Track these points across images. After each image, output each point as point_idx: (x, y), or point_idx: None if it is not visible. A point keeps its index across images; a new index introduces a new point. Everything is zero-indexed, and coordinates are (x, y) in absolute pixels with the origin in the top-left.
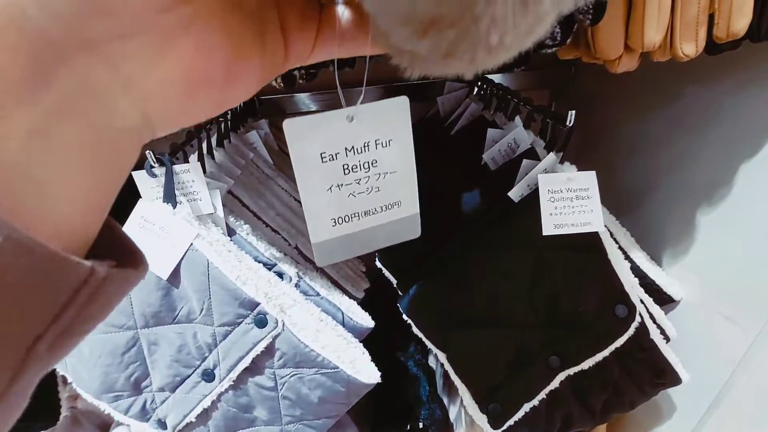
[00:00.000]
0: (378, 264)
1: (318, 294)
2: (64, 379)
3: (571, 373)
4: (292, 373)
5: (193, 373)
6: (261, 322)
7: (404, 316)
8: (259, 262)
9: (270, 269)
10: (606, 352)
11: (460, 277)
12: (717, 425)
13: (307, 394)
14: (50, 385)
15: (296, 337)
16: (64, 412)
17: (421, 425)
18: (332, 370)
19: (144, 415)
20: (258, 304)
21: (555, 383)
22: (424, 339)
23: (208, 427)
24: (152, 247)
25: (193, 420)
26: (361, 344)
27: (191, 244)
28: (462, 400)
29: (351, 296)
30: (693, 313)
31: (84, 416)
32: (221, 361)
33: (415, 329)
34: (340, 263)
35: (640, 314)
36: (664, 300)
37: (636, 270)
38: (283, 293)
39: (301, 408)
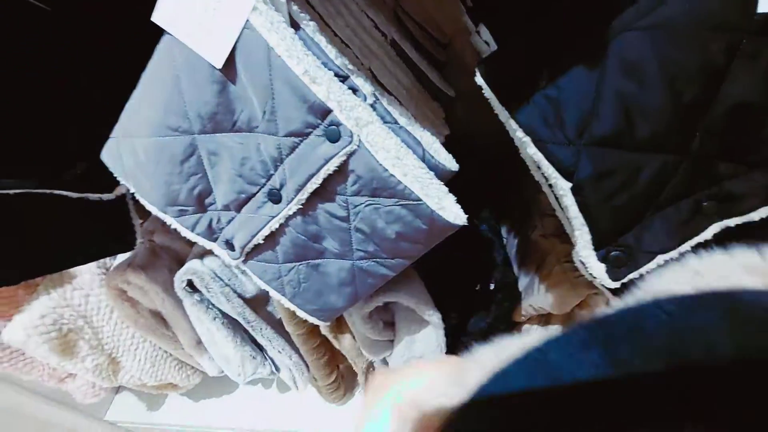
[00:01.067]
0: (478, 80)
1: (396, 122)
2: (137, 207)
3: (732, 225)
4: (367, 203)
5: (258, 191)
6: (333, 134)
7: (519, 133)
8: (329, 69)
9: (342, 82)
10: None
11: (599, 79)
12: None
13: (383, 228)
14: (124, 213)
15: (374, 157)
16: (140, 239)
17: (492, 287)
18: (414, 202)
19: (211, 233)
20: (330, 111)
21: (707, 235)
22: (542, 162)
23: (276, 253)
24: (199, 22)
25: (261, 242)
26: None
27: (247, 20)
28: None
29: None
30: None
31: (162, 250)
32: (288, 179)
33: (531, 149)
34: (419, 101)
35: None
36: None
37: None
38: (358, 106)
39: (375, 244)
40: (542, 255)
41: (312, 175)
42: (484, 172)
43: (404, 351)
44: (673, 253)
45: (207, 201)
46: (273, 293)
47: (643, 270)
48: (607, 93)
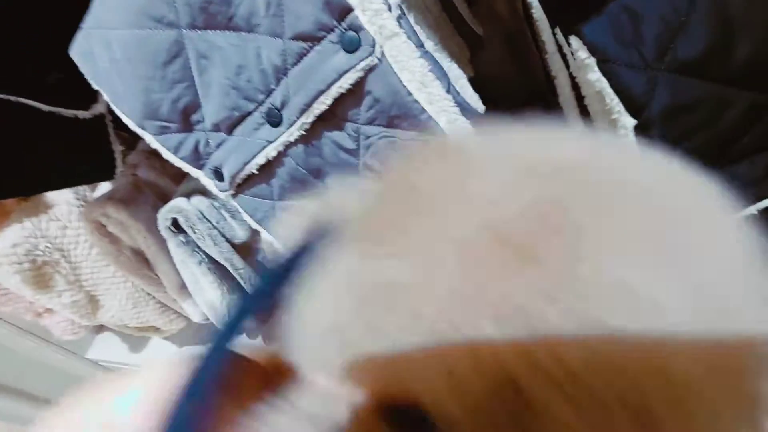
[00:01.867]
0: None
1: (422, 45)
2: (118, 134)
3: None
4: (381, 134)
5: (255, 110)
6: (351, 42)
7: (581, 53)
8: None
9: None
10: None
11: None
12: None
13: None
14: (102, 136)
15: (398, 77)
16: (121, 168)
17: None
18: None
19: (197, 158)
20: (350, 10)
21: None
22: (605, 91)
23: (272, 187)
24: None
25: (255, 172)
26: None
27: None
28: None
29: None
30: None
31: (146, 185)
32: (291, 97)
33: (594, 73)
34: (446, 32)
35: None
36: None
37: None
38: (384, 12)
39: None
40: None
41: (321, 93)
42: None
43: None
44: None
45: (194, 117)
46: (265, 234)
47: None
48: (703, 1)
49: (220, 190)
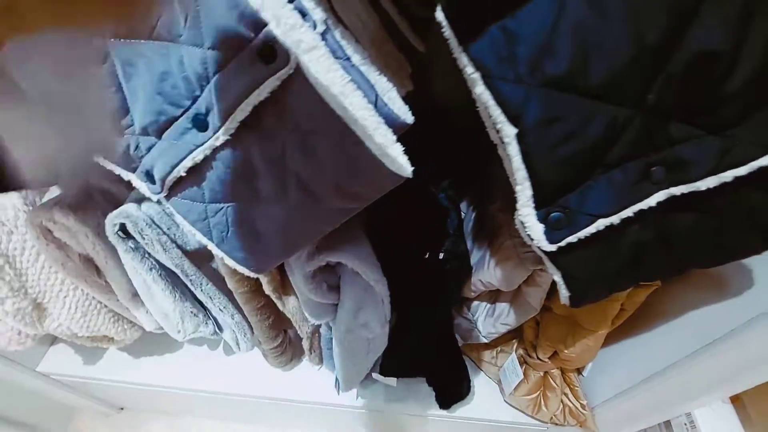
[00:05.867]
0: (439, 15)
1: (348, 59)
2: None
3: (677, 194)
4: (303, 141)
5: (182, 115)
6: (268, 53)
7: (469, 69)
8: None
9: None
10: (755, 165)
11: (559, 9)
12: None
13: (320, 172)
14: None
15: (313, 88)
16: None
17: (441, 256)
18: (354, 145)
19: (128, 162)
20: (264, 25)
21: (650, 202)
22: (488, 102)
23: (203, 190)
24: None
25: (183, 175)
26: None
27: None
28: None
29: None
30: None
31: (97, 191)
32: (215, 103)
33: (480, 87)
34: (383, 49)
35: None
36: None
37: None
38: (301, 27)
39: (311, 190)
40: (496, 229)
41: (240, 100)
42: (455, 144)
43: (347, 317)
44: (614, 218)
45: (124, 122)
46: (199, 237)
47: (581, 234)
48: (565, 26)
49: (153, 193)
